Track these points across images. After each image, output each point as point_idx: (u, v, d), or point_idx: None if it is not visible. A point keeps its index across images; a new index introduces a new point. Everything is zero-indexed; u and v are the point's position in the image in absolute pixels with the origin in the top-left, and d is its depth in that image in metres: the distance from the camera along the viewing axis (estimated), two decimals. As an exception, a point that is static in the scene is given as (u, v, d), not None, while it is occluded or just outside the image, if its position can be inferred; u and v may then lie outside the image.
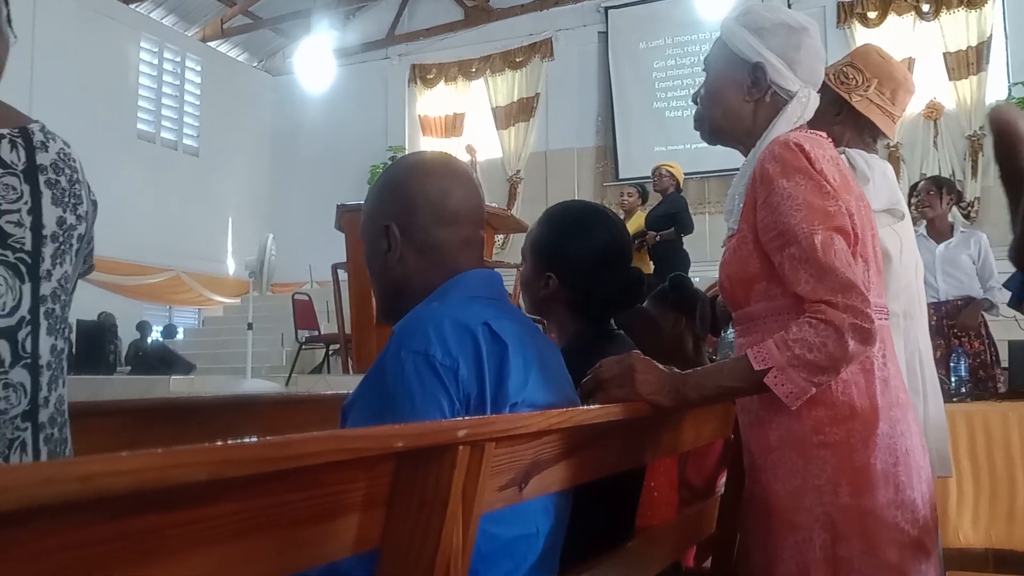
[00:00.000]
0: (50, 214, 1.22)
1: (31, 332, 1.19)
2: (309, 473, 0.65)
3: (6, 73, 1.26)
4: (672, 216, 6.70)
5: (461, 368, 1.07)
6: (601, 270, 1.59)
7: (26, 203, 1.19)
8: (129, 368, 9.44)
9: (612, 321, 1.66)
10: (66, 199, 1.25)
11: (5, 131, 1.21)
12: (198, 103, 12.84)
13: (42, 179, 1.22)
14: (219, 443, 0.52)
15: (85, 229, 1.30)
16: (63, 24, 10.46)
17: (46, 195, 1.22)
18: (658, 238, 6.58)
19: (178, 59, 12.65)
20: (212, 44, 13.19)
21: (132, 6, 11.81)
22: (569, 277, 1.58)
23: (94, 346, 8.78)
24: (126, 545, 0.52)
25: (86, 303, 9.76)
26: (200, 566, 0.59)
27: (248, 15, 13.00)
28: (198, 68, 12.91)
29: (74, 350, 9.08)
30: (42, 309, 1.21)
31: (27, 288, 1.19)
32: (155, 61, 12.25)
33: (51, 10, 10.27)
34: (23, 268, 1.19)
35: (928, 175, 8.46)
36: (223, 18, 12.87)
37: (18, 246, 1.19)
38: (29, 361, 1.19)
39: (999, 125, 1.64)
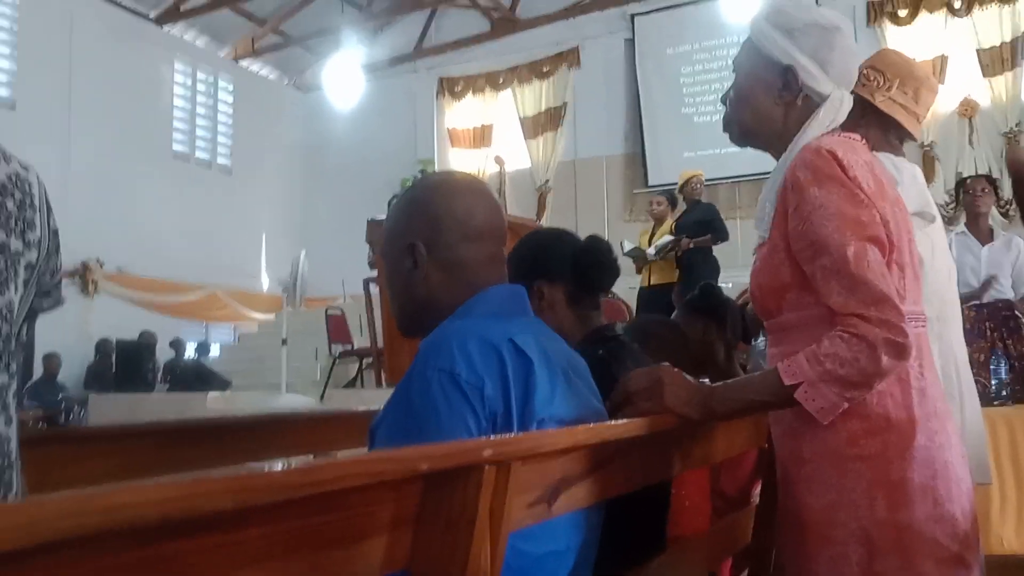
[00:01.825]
0: None
1: None
2: (335, 496, 0.65)
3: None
4: (709, 223, 6.66)
5: (487, 386, 1.07)
6: (582, 252, 1.67)
7: None
8: (167, 386, 9.58)
9: (624, 333, 1.67)
10: (12, 224, 1.14)
11: None
12: (231, 122, 13.01)
13: None
14: (243, 471, 0.53)
15: (37, 258, 1.18)
16: (99, 49, 10.67)
17: None
18: (691, 245, 6.53)
19: (211, 79, 12.83)
20: (243, 63, 13.36)
21: (165, 29, 12.01)
22: (557, 273, 1.63)
23: (133, 365, 8.93)
24: (152, 571, 0.53)
25: (125, 322, 9.94)
26: (228, 591, 0.59)
27: (278, 33, 13.16)
28: (230, 87, 13.09)
29: (113, 369, 9.27)
30: None
31: None
32: (188, 82, 12.43)
33: (87, 35, 10.50)
34: None
35: (964, 174, 8.31)
36: (254, 37, 13.04)
37: None
38: None
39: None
